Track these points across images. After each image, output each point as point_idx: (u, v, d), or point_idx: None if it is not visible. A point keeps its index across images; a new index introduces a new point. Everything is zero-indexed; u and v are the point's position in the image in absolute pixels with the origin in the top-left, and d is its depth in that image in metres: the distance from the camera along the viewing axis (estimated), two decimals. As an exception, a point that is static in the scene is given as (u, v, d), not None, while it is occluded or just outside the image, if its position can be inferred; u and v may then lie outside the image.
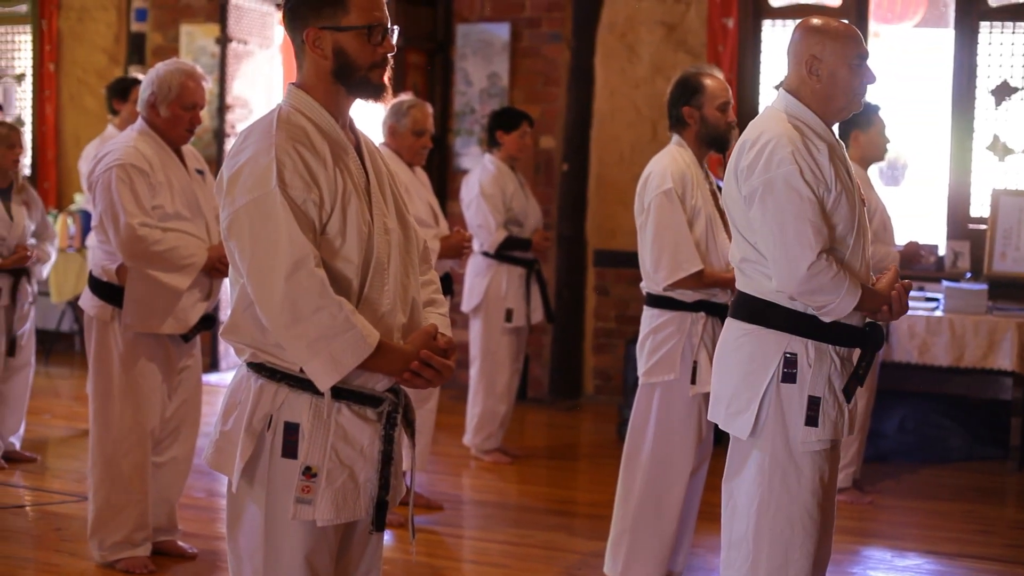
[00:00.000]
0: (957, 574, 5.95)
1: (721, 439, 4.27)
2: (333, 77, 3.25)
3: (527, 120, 7.64)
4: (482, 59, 9.56)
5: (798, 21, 4.07)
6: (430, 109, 6.61)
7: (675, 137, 5.27)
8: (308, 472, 3.16)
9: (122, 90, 8.12)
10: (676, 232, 5.07)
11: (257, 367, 3.23)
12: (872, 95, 8.57)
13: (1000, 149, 8.68)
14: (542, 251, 7.73)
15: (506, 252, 7.49)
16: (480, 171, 7.58)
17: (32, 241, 7.21)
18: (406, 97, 6.67)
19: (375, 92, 3.29)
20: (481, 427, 7.63)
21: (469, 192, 7.55)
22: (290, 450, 3.18)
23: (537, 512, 6.70)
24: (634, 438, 5.27)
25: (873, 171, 7.31)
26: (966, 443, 8.13)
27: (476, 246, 7.45)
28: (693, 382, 5.15)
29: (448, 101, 9.66)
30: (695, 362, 5.14)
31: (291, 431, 3.18)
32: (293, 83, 3.32)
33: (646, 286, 5.25)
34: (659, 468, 5.21)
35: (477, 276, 7.54)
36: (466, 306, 7.62)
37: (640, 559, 5.23)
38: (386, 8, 3.30)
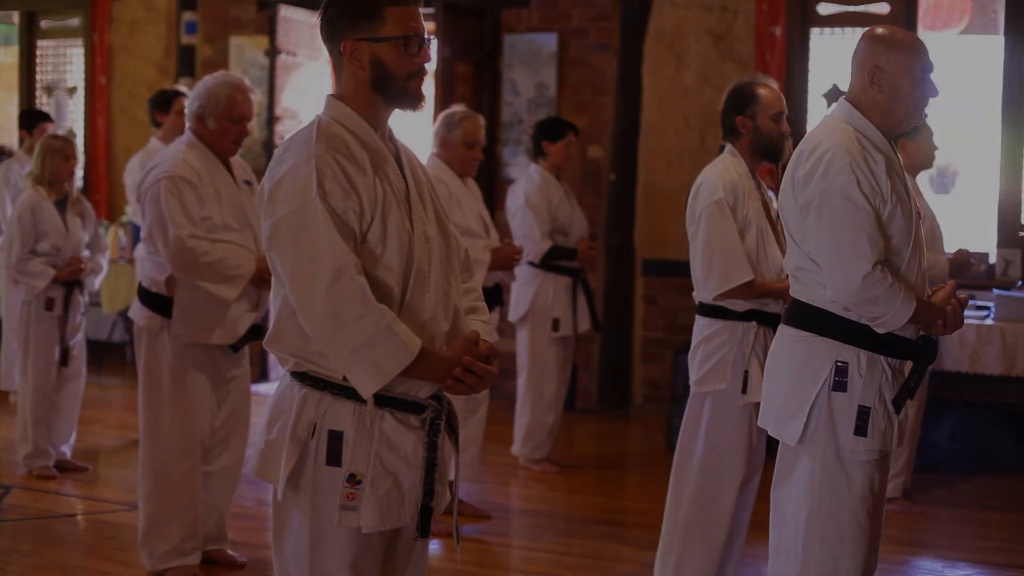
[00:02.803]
0: (1006, 584, 5.90)
1: (771, 448, 4.25)
2: (371, 88, 3.28)
3: (572, 130, 7.64)
4: (529, 69, 9.58)
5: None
6: (482, 121, 6.62)
7: (727, 147, 5.24)
8: (352, 479, 3.18)
9: (164, 102, 8.19)
10: (726, 242, 5.04)
11: (301, 376, 3.25)
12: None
13: (1051, 157, 8.62)
14: (588, 260, 7.73)
15: (551, 262, 7.49)
16: (526, 181, 7.59)
17: (86, 253, 7.28)
18: (458, 108, 6.69)
19: (413, 102, 3.31)
20: (529, 437, 7.63)
21: (515, 202, 7.56)
22: (334, 457, 3.19)
23: (586, 522, 6.70)
24: (684, 448, 5.24)
25: (923, 179, 7.26)
26: (1017, 453, 8.06)
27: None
28: (744, 391, 5.12)
29: (496, 111, 9.68)
30: (746, 372, 5.11)
31: (335, 439, 3.19)
32: (331, 94, 3.35)
33: (698, 295, 5.24)
34: (709, 478, 5.18)
35: (523, 286, 7.54)
36: (513, 316, 7.63)
37: (689, 569, 5.20)
38: (422, 19, 3.31)
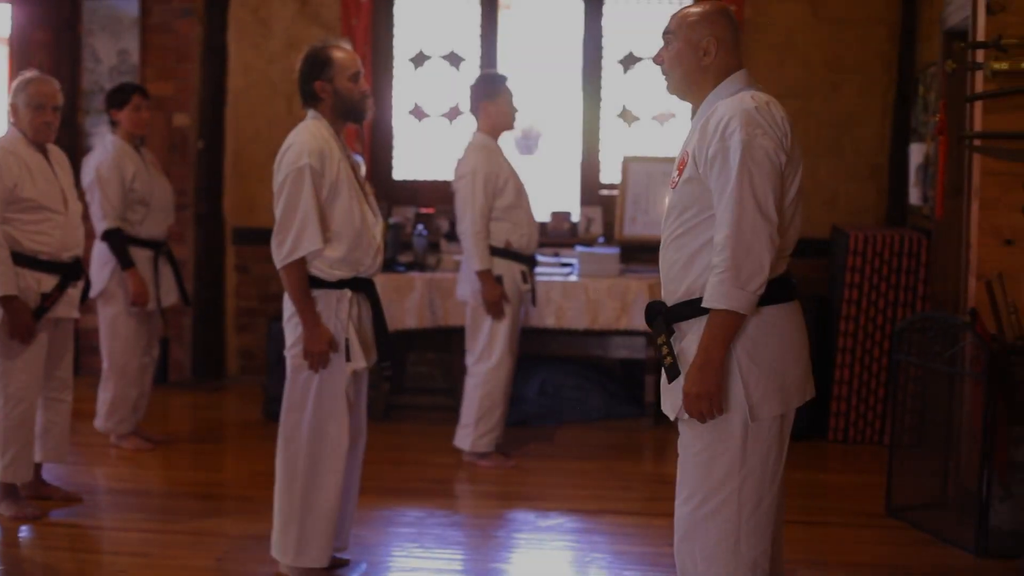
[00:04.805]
0: (598, 529, 6.10)
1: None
2: None
3: (139, 92, 7.36)
4: (111, 35, 9.24)
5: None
6: (55, 84, 6.23)
7: (311, 112, 5.20)
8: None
9: None
10: (305, 211, 5.00)
11: None
12: (503, 66, 8.76)
13: (628, 117, 8.97)
14: (174, 233, 7.53)
15: (118, 245, 7.25)
16: (100, 153, 7.30)
17: None
18: (29, 73, 6.36)
19: None
20: (113, 411, 7.39)
21: (87, 176, 7.27)
22: None
23: (183, 498, 6.54)
24: (290, 418, 5.18)
25: (508, 141, 7.43)
26: (603, 403, 8.39)
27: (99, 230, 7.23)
28: (349, 359, 5.11)
29: (77, 80, 9.30)
30: (347, 339, 5.10)
31: None
32: None
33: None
34: (319, 446, 5.15)
35: (102, 262, 7.28)
36: (93, 292, 7.34)
37: (314, 542, 5.18)
38: None
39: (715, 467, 3.72)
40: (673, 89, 3.88)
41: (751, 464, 3.71)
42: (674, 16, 3.84)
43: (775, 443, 3.74)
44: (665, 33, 3.84)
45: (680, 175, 3.75)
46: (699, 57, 3.77)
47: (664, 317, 3.79)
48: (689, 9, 3.84)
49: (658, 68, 3.90)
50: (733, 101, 3.67)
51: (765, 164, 3.59)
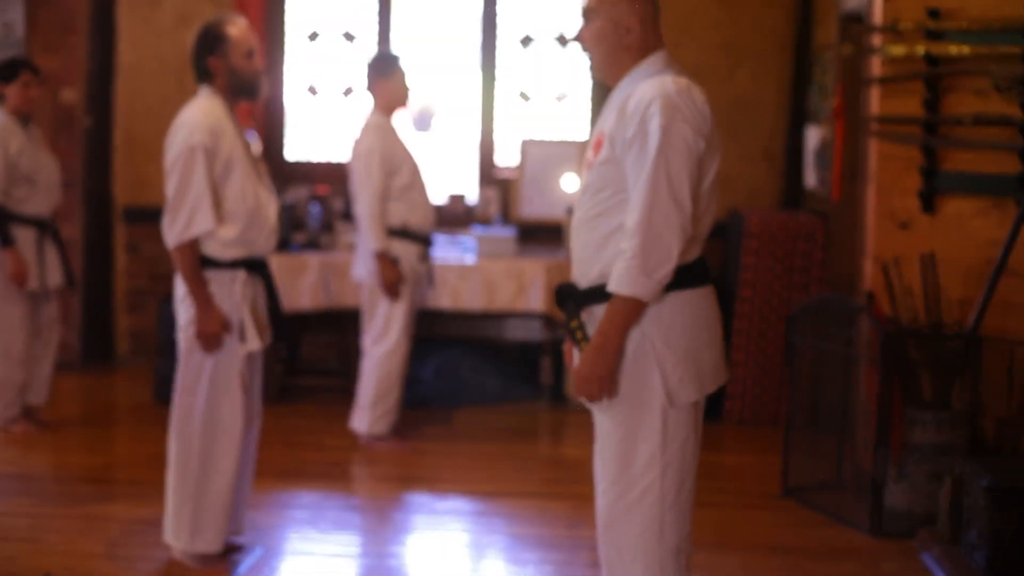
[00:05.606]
0: (496, 511, 6.08)
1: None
2: None
3: (28, 69, 7.19)
4: (-6, 7, 9.02)
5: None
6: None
7: (204, 89, 5.11)
8: None
9: None
10: (197, 190, 4.92)
11: None
12: (398, 44, 8.69)
13: (525, 98, 8.94)
14: (60, 211, 7.35)
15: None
16: (-16, 129, 7.13)
17: None
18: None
19: None
20: (-1, 396, 7.24)
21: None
22: None
23: (73, 482, 6.43)
24: (183, 402, 5.09)
25: (404, 120, 7.36)
26: (501, 385, 8.37)
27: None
28: (243, 340, 5.04)
29: (-42, 53, 9.06)
30: (242, 320, 5.03)
31: None
32: None
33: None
34: (213, 429, 5.08)
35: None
36: (-29, 271, 7.17)
37: (208, 526, 5.11)
38: None
39: (635, 456, 3.67)
40: (595, 67, 3.78)
41: (671, 451, 3.66)
42: None
43: (692, 428, 3.71)
44: (585, 11, 3.74)
45: (596, 155, 3.68)
46: (621, 35, 3.68)
47: (576, 300, 3.73)
48: None
49: (562, 47, 3.84)
50: (653, 84, 3.58)
51: (683, 150, 3.51)
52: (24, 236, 7.13)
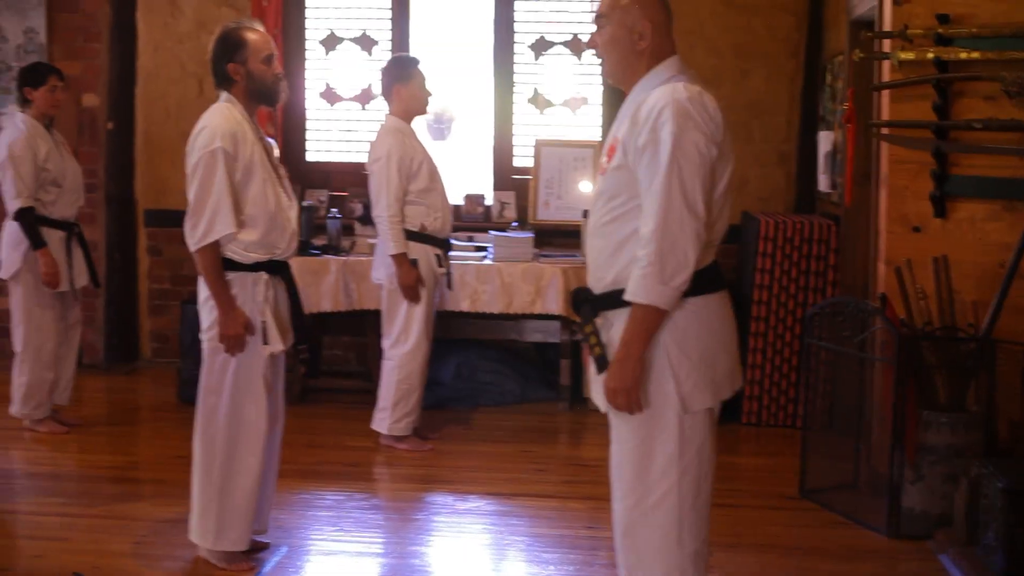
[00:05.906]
0: (516, 512, 6.14)
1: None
2: None
3: (55, 74, 7.28)
4: (16, 13, 9.11)
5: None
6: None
7: (223, 94, 5.16)
8: None
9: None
10: (217, 194, 4.98)
11: None
12: (415, 49, 8.76)
13: (540, 103, 9.00)
14: (84, 217, 7.44)
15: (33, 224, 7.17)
16: (11, 132, 7.21)
17: None
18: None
19: None
20: (29, 396, 7.32)
21: (-1, 155, 7.20)
22: None
23: (100, 481, 6.51)
24: (208, 402, 5.15)
25: (421, 126, 7.43)
26: (517, 386, 8.44)
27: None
28: (266, 342, 5.11)
29: (-18, 58, 9.17)
30: (264, 322, 5.10)
31: None
32: None
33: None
34: (237, 429, 5.14)
35: (14, 243, 7.20)
36: (5, 273, 7.27)
37: (233, 525, 5.18)
38: None
39: (652, 462, 3.69)
40: (608, 73, 3.79)
41: (688, 457, 3.68)
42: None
43: (708, 433, 3.74)
44: (598, 17, 3.75)
45: (610, 161, 3.69)
46: (634, 41, 3.70)
47: (591, 305, 3.76)
48: None
49: (582, 54, 3.89)
50: (665, 90, 3.59)
51: (695, 158, 3.53)
52: (53, 239, 7.24)
